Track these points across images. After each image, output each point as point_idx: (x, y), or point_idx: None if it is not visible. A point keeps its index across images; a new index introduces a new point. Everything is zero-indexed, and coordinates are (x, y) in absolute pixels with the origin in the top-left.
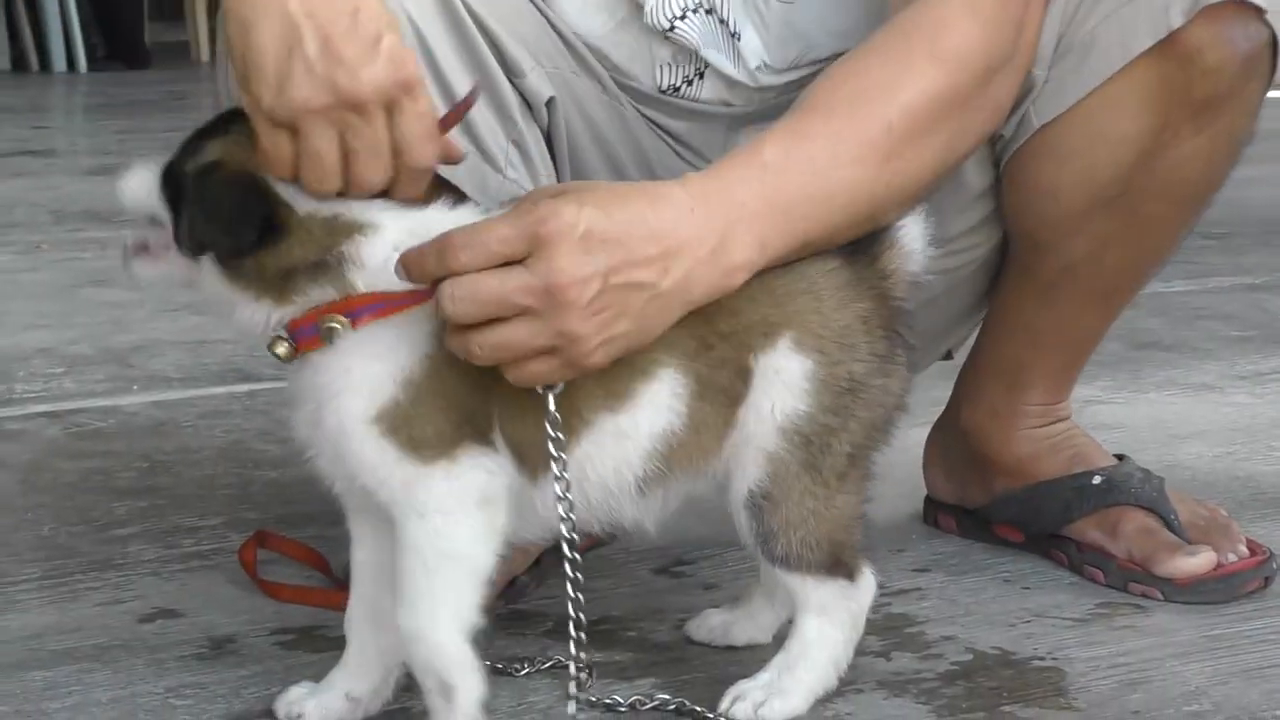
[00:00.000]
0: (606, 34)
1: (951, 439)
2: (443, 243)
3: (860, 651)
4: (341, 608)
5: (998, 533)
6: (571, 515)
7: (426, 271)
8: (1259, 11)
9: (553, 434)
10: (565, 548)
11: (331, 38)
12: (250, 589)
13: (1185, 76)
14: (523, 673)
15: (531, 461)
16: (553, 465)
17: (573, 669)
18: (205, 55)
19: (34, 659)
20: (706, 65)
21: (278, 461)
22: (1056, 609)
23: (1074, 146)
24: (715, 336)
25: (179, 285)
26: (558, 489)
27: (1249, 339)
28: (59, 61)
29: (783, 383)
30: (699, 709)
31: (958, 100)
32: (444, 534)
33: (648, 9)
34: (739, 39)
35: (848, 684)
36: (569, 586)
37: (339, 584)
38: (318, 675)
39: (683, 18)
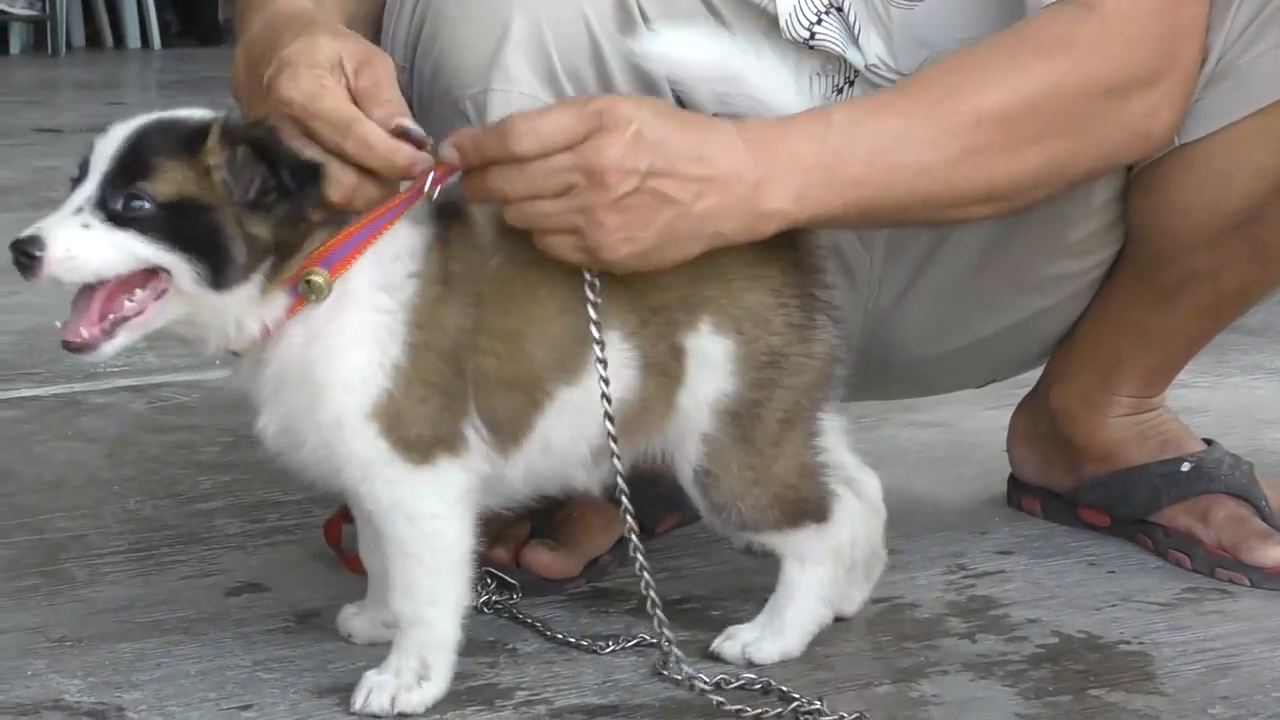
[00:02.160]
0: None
1: (1039, 419)
2: (505, 127)
3: (944, 633)
4: None
5: (1083, 516)
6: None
7: (484, 154)
8: None
9: (595, 324)
10: (618, 471)
11: None
12: (334, 563)
13: None
14: (607, 650)
15: (506, 435)
16: (596, 367)
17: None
18: None
19: (122, 631)
20: (856, 74)
21: None
22: (1142, 593)
23: (1213, 169)
24: (651, 311)
25: (152, 330)
26: (602, 388)
27: None
28: (133, 38)
29: (709, 365)
30: (784, 688)
31: (1066, 106)
32: (436, 535)
33: (783, 21)
34: (859, 44)
35: (933, 665)
36: (628, 520)
37: None
38: None
39: (818, 22)
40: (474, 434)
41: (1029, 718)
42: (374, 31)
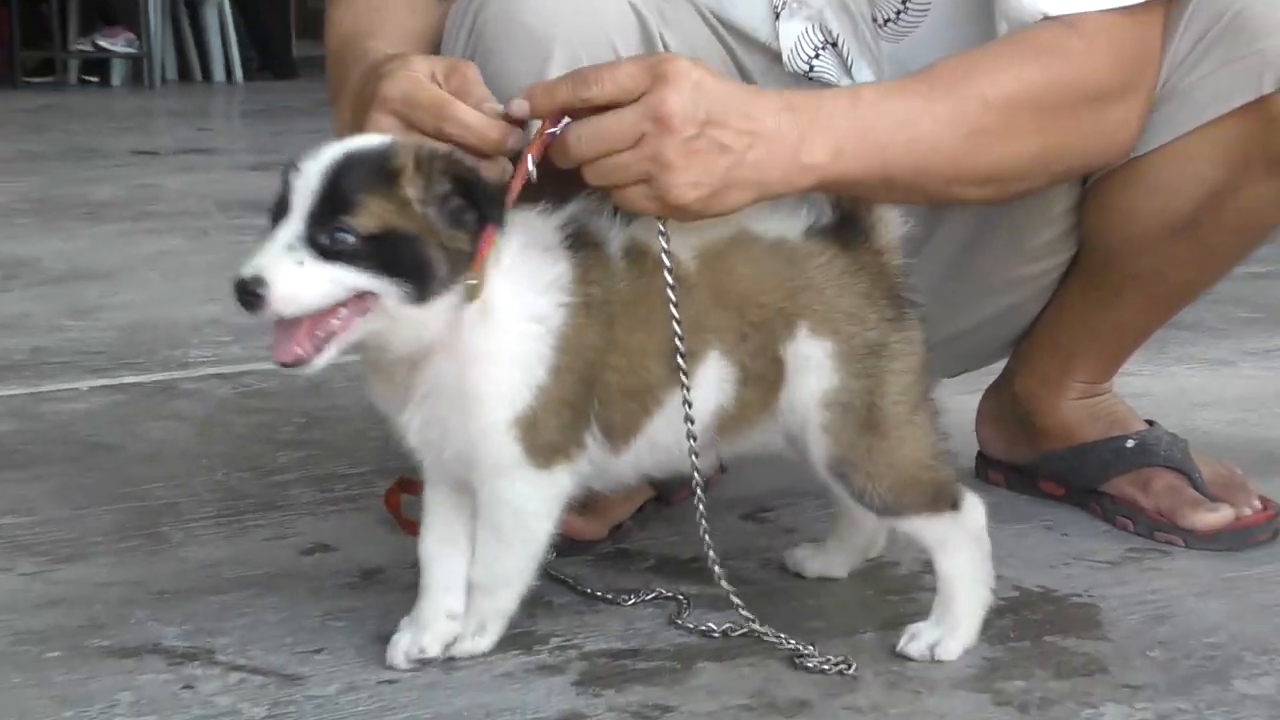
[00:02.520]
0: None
1: (1004, 403)
2: (577, 75)
3: (921, 588)
4: None
5: (1042, 487)
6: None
7: (557, 100)
8: None
9: (669, 270)
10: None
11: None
12: (393, 528)
13: (1266, 134)
14: (629, 603)
15: (618, 437)
16: (672, 319)
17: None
18: None
19: (211, 585)
20: None
21: None
22: (1092, 553)
23: (1159, 180)
24: (750, 326)
25: (354, 341)
26: (678, 346)
27: (1257, 320)
28: (219, 73)
29: (811, 366)
30: (782, 636)
31: (1063, 108)
32: (532, 530)
33: (785, 56)
34: (852, 74)
35: (910, 615)
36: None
37: None
38: None
39: (816, 56)
40: (590, 439)
41: (993, 660)
42: None
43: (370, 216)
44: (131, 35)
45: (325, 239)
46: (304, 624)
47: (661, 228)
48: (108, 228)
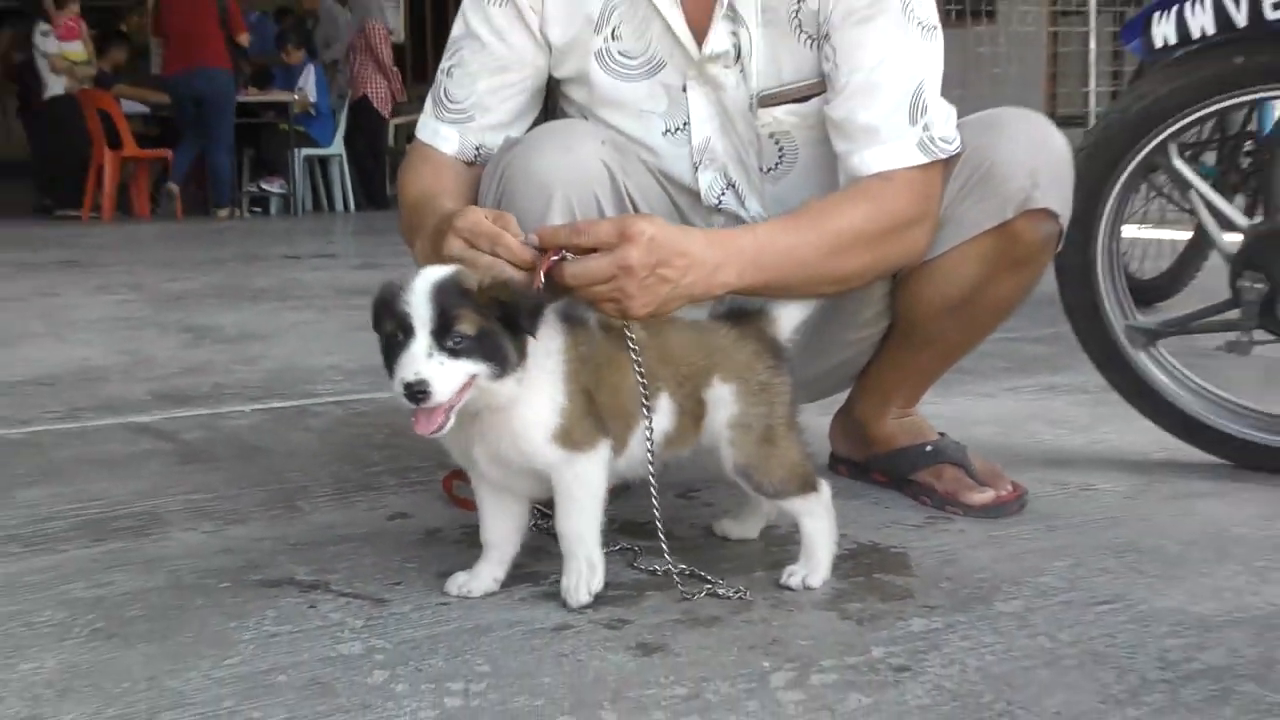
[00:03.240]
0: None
1: (846, 421)
2: (572, 226)
3: (794, 542)
4: None
5: (873, 478)
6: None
7: (558, 240)
8: (1055, 215)
9: (636, 361)
10: (649, 460)
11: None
12: (448, 503)
13: (1010, 246)
14: (615, 547)
15: (618, 443)
16: (637, 379)
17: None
18: None
19: (328, 539)
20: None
21: None
22: (904, 520)
23: (941, 276)
24: (683, 378)
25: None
26: (644, 407)
27: (1010, 368)
28: (339, 205)
29: (721, 398)
30: (703, 574)
31: (882, 233)
32: (592, 484)
33: (703, 195)
34: (745, 206)
35: (789, 559)
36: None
37: None
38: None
39: (723, 194)
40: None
41: (839, 589)
42: None
43: (470, 323)
44: (283, 181)
45: (450, 343)
46: (388, 565)
47: (628, 331)
48: (264, 305)
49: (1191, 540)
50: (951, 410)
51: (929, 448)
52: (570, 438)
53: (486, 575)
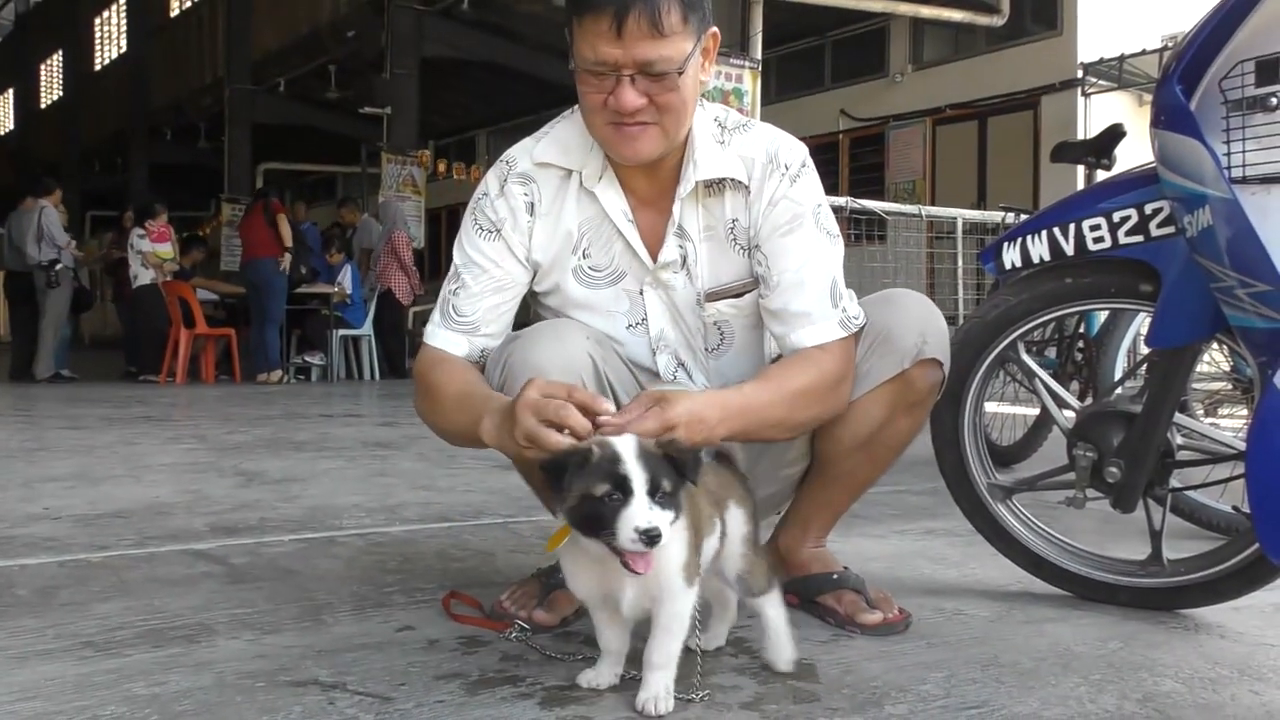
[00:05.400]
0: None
1: (771, 548)
2: (625, 424)
3: (730, 653)
4: (494, 627)
5: (787, 599)
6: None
7: (616, 427)
8: (941, 364)
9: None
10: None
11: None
12: (446, 618)
13: (906, 390)
14: (570, 660)
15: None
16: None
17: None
18: None
19: (347, 646)
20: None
21: (462, 558)
22: (811, 636)
23: (853, 418)
24: (714, 506)
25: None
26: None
27: (898, 514)
28: (366, 374)
29: (736, 520)
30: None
31: (825, 390)
32: (687, 615)
33: (661, 373)
34: (694, 379)
35: (713, 669)
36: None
37: (487, 617)
38: (481, 657)
39: (676, 371)
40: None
41: (760, 694)
42: None
43: (670, 480)
44: (321, 354)
45: (659, 498)
46: (395, 668)
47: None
48: (304, 454)
49: (1042, 657)
50: (851, 548)
51: (835, 576)
52: (689, 571)
53: (608, 672)
